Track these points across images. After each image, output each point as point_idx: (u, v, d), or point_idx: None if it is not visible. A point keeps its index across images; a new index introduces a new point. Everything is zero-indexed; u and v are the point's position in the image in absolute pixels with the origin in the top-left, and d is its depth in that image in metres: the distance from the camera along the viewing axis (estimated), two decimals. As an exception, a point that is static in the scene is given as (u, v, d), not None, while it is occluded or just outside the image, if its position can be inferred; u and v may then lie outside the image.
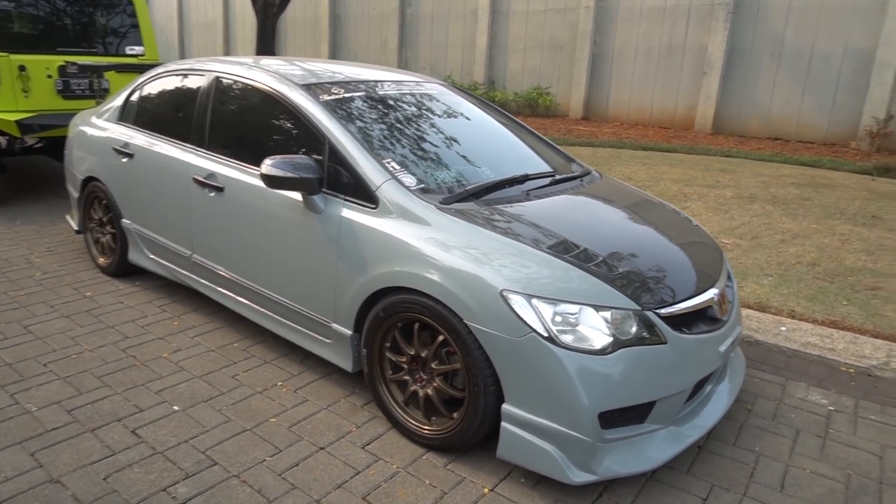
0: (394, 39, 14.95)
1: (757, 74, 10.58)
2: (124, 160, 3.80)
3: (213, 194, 3.20)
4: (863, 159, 8.67)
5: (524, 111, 12.76)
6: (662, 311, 2.25)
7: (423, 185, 2.63)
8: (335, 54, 16.28)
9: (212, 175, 3.21)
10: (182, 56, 19.99)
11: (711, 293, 2.47)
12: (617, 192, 3.19)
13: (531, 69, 13.17)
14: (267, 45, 10.06)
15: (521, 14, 13.08)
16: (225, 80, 3.35)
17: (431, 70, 14.37)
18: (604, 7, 11.97)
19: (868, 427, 2.74)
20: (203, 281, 3.46)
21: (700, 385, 2.44)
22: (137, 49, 6.34)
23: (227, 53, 18.75)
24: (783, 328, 3.54)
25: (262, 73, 3.17)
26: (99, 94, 5.72)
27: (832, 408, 2.87)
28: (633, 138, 10.29)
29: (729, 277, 2.78)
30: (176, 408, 2.67)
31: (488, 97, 12.73)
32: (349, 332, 2.66)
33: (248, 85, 3.21)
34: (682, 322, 2.32)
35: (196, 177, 3.28)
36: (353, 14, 15.72)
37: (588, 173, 3.33)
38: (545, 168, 3.21)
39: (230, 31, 18.69)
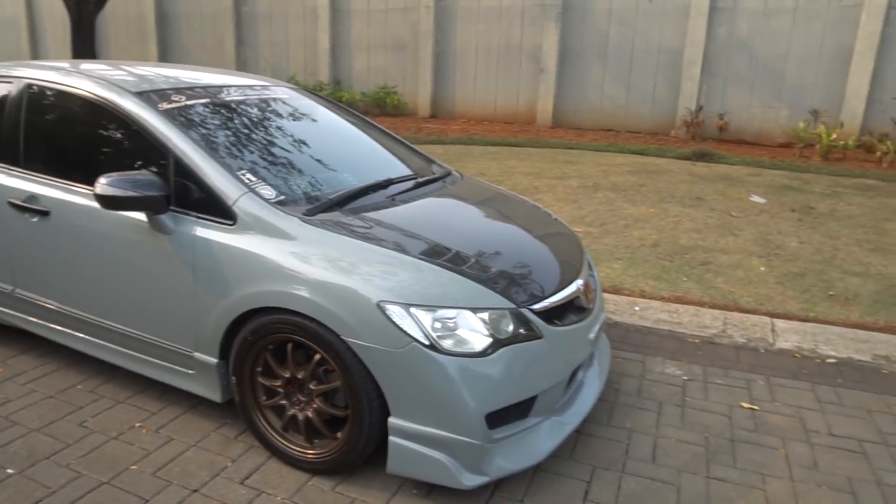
0: (231, 39, 14.19)
1: (588, 70, 11.36)
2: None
3: (36, 219, 2.81)
4: (682, 146, 9.62)
5: (372, 111, 12.70)
6: (536, 306, 2.31)
7: (283, 197, 2.48)
8: (166, 55, 15.14)
9: (33, 197, 2.81)
10: (-21, 59, 17.53)
11: (577, 284, 2.58)
12: (478, 191, 3.24)
13: (377, 68, 13.13)
14: (86, 46, 9.05)
15: (362, 13, 12.98)
16: (40, 89, 2.94)
17: (273, 70, 13.84)
18: (443, 6, 12.22)
19: (716, 391, 3.02)
20: (31, 318, 3.03)
21: (574, 373, 2.55)
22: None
23: (35, 56, 16.73)
24: (637, 308, 3.82)
25: (88, 81, 2.82)
26: None
27: (686, 377, 3.14)
28: (480, 134, 10.61)
29: (590, 266, 2.93)
30: (10, 471, 2.31)
31: (335, 97, 12.51)
32: (215, 361, 2.45)
33: (71, 94, 2.84)
34: (554, 315, 2.40)
35: (12, 200, 2.86)
36: (184, 12, 14.70)
37: (449, 174, 3.35)
38: (407, 171, 3.18)
39: (37, 31, 16.70)
